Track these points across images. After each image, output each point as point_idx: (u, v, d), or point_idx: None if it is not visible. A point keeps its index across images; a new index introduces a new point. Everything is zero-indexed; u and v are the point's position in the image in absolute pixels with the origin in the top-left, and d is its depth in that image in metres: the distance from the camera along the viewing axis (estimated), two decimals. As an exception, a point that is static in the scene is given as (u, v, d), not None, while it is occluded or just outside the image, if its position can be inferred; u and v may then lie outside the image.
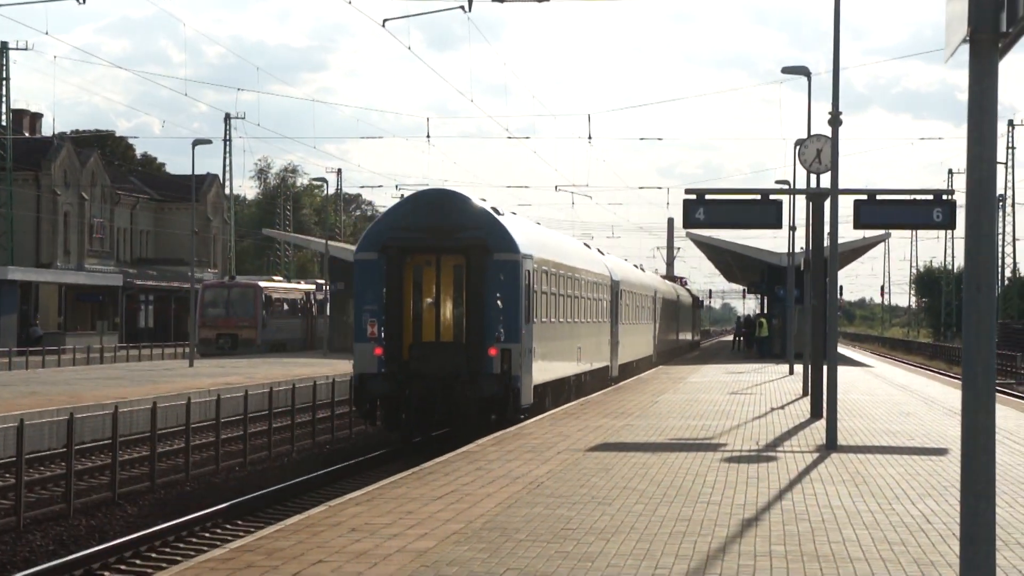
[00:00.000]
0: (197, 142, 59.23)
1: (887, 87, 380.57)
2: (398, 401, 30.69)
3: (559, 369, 37.55)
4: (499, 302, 30.73)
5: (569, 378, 39.86)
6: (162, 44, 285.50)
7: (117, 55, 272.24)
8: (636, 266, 72.38)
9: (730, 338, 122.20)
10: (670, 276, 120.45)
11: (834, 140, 26.56)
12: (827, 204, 27.52)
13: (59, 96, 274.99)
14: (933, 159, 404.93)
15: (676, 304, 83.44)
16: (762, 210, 27.44)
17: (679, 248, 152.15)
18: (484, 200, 32.76)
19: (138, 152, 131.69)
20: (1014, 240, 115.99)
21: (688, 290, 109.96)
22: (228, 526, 22.98)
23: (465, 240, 30.66)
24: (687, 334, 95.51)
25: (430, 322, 30.86)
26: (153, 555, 20.33)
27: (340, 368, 51.00)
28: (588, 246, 51.45)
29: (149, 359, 70.05)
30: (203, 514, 22.93)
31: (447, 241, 30.66)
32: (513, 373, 30.60)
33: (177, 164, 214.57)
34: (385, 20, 42.98)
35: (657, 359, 67.54)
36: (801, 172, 36.72)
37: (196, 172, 64.73)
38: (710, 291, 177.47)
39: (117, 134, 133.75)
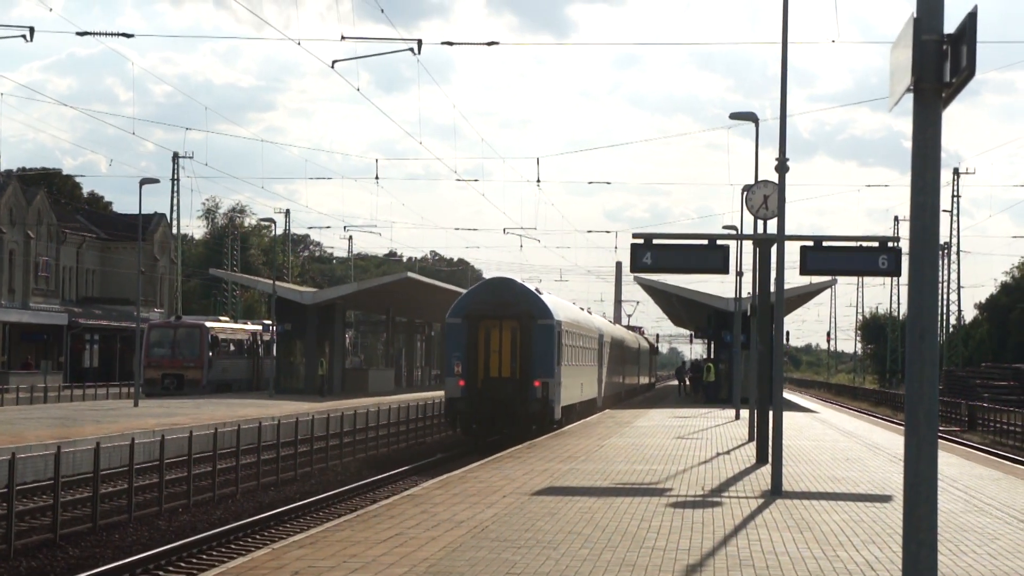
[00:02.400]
0: (144, 181, 58.92)
1: (833, 134, 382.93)
2: (473, 415, 45.59)
3: (574, 397, 52.30)
4: (540, 351, 45.61)
5: (576, 404, 53.58)
6: (109, 82, 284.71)
7: (63, 93, 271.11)
8: (610, 320, 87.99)
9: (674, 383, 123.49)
10: (631, 326, 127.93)
11: (781, 186, 26.70)
12: (774, 250, 27.66)
13: (4, 133, 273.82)
14: (879, 206, 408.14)
15: (637, 351, 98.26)
16: (709, 255, 27.49)
17: (638, 302, 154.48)
18: (526, 282, 49.35)
19: (85, 191, 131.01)
20: (959, 288, 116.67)
21: (646, 338, 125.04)
22: (171, 568, 22.82)
23: (518, 311, 45.84)
24: (645, 376, 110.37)
25: (495, 364, 45.55)
26: (94, 597, 20.13)
27: (286, 409, 50.78)
28: (583, 308, 69.82)
29: (94, 399, 69.53)
30: (145, 556, 22.75)
31: (506, 312, 45.76)
32: (549, 398, 45.65)
33: (124, 203, 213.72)
34: (335, 61, 43.07)
35: (625, 395, 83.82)
36: (748, 217, 36.95)
37: (143, 211, 64.45)
38: (657, 335, 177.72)
39: (64, 172, 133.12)
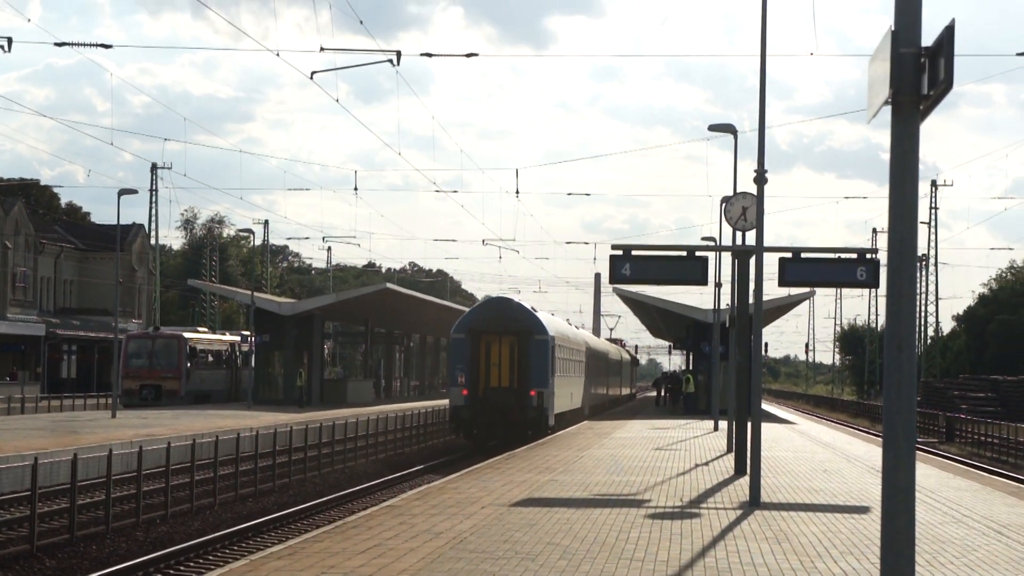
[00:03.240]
0: (123, 192, 58.78)
1: (811, 146, 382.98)
2: (475, 422, 49.85)
3: (565, 406, 56.93)
4: (536, 364, 50.04)
5: (567, 412, 57.93)
6: (87, 93, 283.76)
7: (41, 103, 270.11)
8: (593, 333, 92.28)
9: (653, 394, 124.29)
10: (612, 339, 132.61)
11: (759, 198, 26.74)
12: (752, 261, 27.70)
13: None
14: (858, 217, 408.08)
15: (620, 363, 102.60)
16: (688, 266, 27.54)
17: (620, 316, 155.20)
18: (523, 301, 53.19)
19: (63, 201, 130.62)
20: (937, 300, 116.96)
21: (627, 351, 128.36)
22: (148, 580, 22.74)
23: (516, 327, 50.37)
24: (626, 388, 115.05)
25: (495, 375, 49.91)
26: (71, 609, 20.07)
27: (264, 420, 50.68)
28: (569, 323, 74.31)
29: (71, 409, 69.32)
30: (123, 567, 22.69)
31: (506, 328, 50.23)
32: (544, 406, 50.12)
33: (102, 213, 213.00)
34: (313, 72, 43.02)
35: (608, 404, 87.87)
36: (727, 229, 36.88)
37: (121, 222, 64.21)
38: (636, 347, 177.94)
39: (41, 183, 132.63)
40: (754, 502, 24.26)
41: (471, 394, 49.65)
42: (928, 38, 7.69)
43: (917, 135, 7.77)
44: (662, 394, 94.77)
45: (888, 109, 7.82)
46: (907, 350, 7.77)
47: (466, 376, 49.81)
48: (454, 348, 51.32)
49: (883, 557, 7.88)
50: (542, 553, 17.49)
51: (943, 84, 7.49)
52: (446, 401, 76.54)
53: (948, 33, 7.47)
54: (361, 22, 42.87)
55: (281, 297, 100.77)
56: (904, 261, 7.78)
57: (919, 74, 7.65)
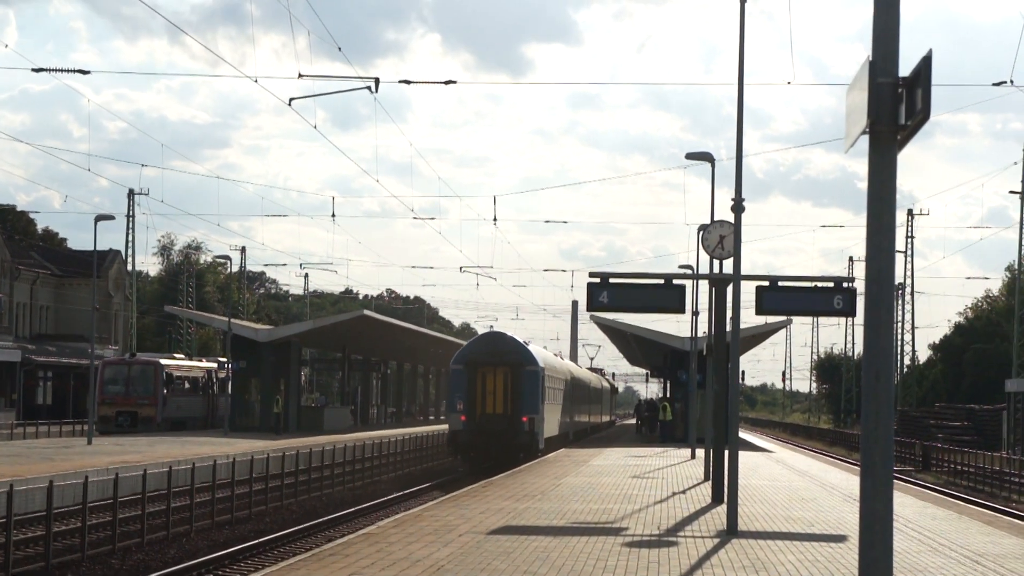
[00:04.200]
0: (100, 218, 58.70)
1: (788, 174, 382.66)
2: (472, 445, 54.44)
3: (553, 431, 62.19)
4: (528, 392, 54.58)
5: (555, 437, 62.82)
6: (63, 118, 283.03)
7: (16, 129, 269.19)
8: (571, 361, 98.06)
9: (632, 422, 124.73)
10: (593, 368, 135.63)
11: (737, 226, 26.79)
12: (729, 290, 27.75)
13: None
14: (834, 246, 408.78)
15: (600, 391, 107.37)
16: (665, 294, 27.58)
17: (600, 346, 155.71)
18: (515, 335, 58.45)
19: (39, 227, 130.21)
20: (913, 328, 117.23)
21: (608, 380, 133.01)
22: (123, 607, 22.65)
23: (509, 359, 55.04)
24: (605, 415, 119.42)
25: (491, 402, 54.46)
26: (46, 637, 19.97)
27: (241, 447, 50.52)
28: (555, 354, 79.97)
29: (47, 436, 69.05)
30: (98, 595, 22.59)
31: (500, 360, 54.89)
32: (535, 431, 54.85)
33: (79, 239, 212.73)
34: (292, 99, 42.99)
35: (590, 430, 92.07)
36: (704, 257, 36.95)
37: (98, 248, 64.10)
38: (613, 374, 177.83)
39: (17, 208, 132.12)
40: (731, 530, 24.27)
41: (468, 420, 54.14)
42: (905, 68, 7.73)
43: (895, 165, 7.80)
44: (640, 422, 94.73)
45: (865, 139, 7.85)
46: (884, 379, 7.78)
47: (464, 403, 54.29)
48: (453, 378, 55.80)
49: (861, 586, 7.88)
50: (519, 581, 17.44)
51: (920, 114, 7.53)
52: (423, 428, 77.23)
53: (925, 64, 7.51)
54: (339, 48, 42.91)
55: (258, 324, 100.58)
56: (882, 290, 7.81)
57: (896, 104, 7.69)
